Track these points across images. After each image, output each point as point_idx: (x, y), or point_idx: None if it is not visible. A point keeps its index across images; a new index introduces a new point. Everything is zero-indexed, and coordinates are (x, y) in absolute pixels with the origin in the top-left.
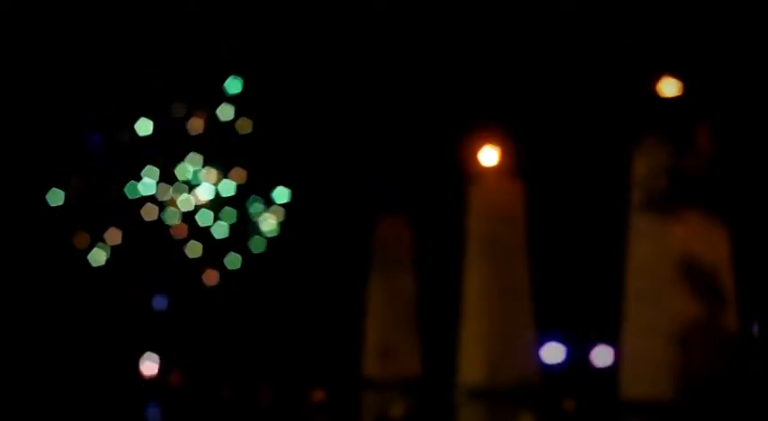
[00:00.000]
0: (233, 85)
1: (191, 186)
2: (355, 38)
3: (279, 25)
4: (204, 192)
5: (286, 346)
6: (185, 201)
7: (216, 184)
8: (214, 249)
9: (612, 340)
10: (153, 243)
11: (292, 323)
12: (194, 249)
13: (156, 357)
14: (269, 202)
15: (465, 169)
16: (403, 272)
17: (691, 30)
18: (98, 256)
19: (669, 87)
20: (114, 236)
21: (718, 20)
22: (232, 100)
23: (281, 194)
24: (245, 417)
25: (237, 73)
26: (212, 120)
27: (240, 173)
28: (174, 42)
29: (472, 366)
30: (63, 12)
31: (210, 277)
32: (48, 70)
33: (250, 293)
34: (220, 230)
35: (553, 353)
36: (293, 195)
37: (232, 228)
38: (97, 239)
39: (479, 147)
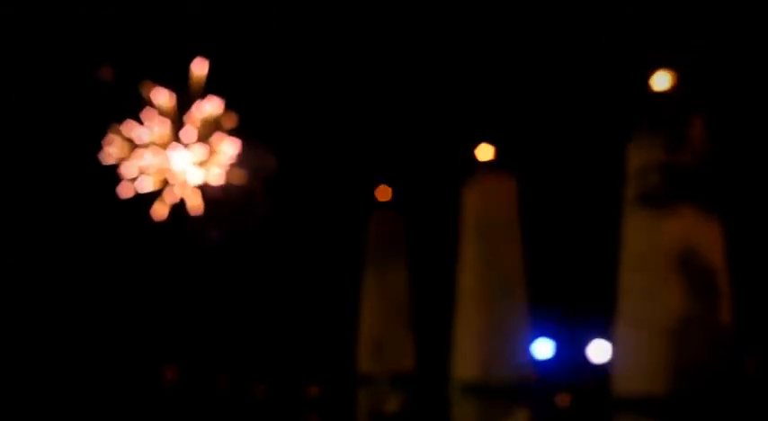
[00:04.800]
0: None
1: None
2: (354, 35)
3: (279, 22)
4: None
5: (281, 342)
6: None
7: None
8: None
9: (606, 335)
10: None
11: (287, 319)
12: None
13: None
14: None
15: (459, 166)
16: (397, 268)
17: (684, 26)
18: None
19: (663, 82)
20: None
21: (712, 17)
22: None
23: None
24: (240, 412)
25: (238, 68)
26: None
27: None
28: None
29: (466, 362)
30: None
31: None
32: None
33: (245, 289)
34: None
35: (546, 348)
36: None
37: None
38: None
39: (474, 143)
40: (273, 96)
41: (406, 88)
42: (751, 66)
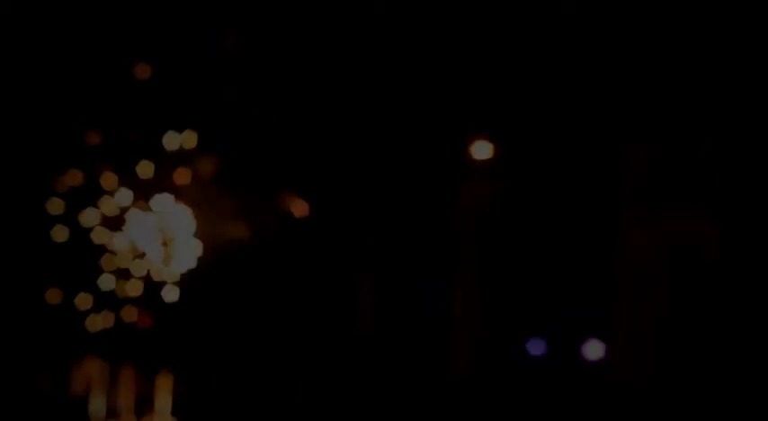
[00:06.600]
0: None
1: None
2: (352, 37)
3: (278, 24)
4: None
5: (276, 337)
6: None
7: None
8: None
9: (602, 333)
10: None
11: (283, 314)
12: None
13: None
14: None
15: (456, 169)
16: (394, 265)
17: (685, 26)
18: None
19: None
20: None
21: (713, 17)
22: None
23: None
24: (233, 409)
25: (233, 73)
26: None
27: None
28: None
29: (462, 358)
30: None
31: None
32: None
33: (241, 289)
34: None
35: (540, 345)
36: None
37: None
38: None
39: (471, 146)
40: (271, 96)
41: (405, 87)
42: (751, 66)
